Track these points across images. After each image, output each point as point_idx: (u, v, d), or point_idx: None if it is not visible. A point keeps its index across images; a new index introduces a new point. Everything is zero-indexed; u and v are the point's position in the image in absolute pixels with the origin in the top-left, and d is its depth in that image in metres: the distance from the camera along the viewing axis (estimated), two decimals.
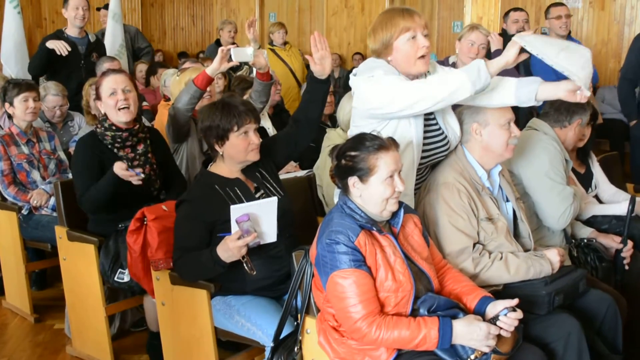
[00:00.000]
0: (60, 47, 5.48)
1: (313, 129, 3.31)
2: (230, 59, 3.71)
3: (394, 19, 2.80)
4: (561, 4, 6.00)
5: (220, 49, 3.70)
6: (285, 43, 7.75)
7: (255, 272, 2.77)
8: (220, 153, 2.99)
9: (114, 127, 3.53)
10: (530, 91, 2.71)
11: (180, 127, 3.84)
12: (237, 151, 2.97)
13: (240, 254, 2.71)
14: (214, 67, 3.69)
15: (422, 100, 2.67)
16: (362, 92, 2.83)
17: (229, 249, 2.70)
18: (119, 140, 3.53)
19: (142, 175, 3.37)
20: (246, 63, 5.85)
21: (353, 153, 2.43)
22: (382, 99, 2.73)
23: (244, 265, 2.74)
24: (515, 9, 6.04)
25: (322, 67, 3.04)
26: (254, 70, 4.13)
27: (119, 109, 3.48)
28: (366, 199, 2.45)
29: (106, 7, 7.72)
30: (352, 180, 2.43)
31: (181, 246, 2.91)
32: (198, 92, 3.70)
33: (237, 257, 2.72)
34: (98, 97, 3.56)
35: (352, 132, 2.84)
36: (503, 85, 2.77)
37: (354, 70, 2.96)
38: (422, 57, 2.82)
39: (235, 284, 2.95)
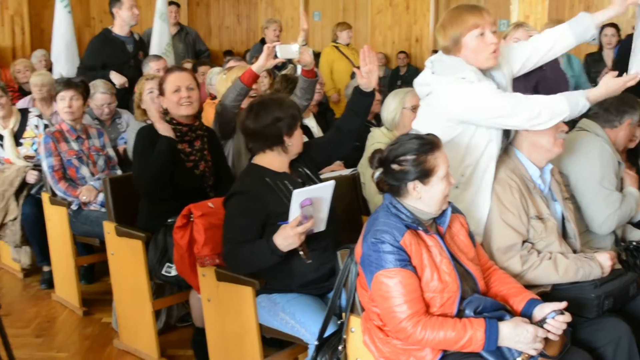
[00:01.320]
0: (121, 84, 5.59)
1: (352, 139, 3.35)
2: (275, 56, 3.74)
3: (463, 16, 2.81)
4: None
5: (265, 46, 3.74)
6: (348, 44, 7.93)
7: (311, 261, 2.78)
8: (287, 144, 3.00)
9: (174, 121, 3.62)
10: (580, 97, 2.75)
11: (227, 123, 3.88)
12: (299, 140, 3.05)
13: (299, 241, 2.72)
14: (260, 64, 3.72)
15: (521, 119, 2.73)
16: (458, 96, 2.78)
17: (289, 237, 2.70)
18: (178, 134, 3.61)
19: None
20: (291, 61, 5.87)
21: (409, 157, 2.40)
22: (488, 108, 2.74)
23: (300, 253, 2.75)
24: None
25: (368, 80, 3.11)
26: (299, 68, 4.14)
27: (181, 105, 3.58)
28: (427, 200, 2.43)
29: (176, 4, 7.95)
30: (413, 184, 2.41)
31: (233, 238, 2.90)
32: (245, 90, 3.74)
33: (295, 245, 2.73)
34: (161, 92, 3.65)
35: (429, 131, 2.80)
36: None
37: (429, 68, 2.94)
38: (491, 52, 2.83)
39: (281, 280, 2.95)
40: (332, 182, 2.77)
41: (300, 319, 2.85)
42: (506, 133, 2.96)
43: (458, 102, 2.78)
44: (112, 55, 5.83)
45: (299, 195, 2.65)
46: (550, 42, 3.01)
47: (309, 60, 3.90)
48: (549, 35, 3.02)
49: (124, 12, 5.89)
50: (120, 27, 5.97)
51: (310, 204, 2.67)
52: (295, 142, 3.03)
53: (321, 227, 2.83)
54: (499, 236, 2.82)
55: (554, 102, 2.73)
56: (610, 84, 2.75)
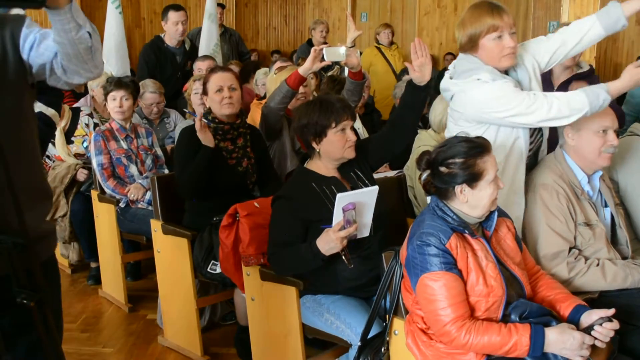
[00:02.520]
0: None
1: (408, 134, 3.31)
2: (322, 59, 3.74)
3: (483, 17, 2.81)
4: None
5: (313, 49, 3.73)
6: (391, 43, 7.93)
7: (352, 266, 2.77)
8: (317, 150, 3.00)
9: (216, 120, 3.67)
10: (600, 90, 2.70)
11: (272, 125, 3.90)
12: (335, 148, 2.97)
13: (341, 246, 2.71)
14: (307, 67, 3.72)
15: (539, 116, 2.71)
16: (473, 96, 2.82)
17: (331, 240, 2.69)
18: (220, 132, 3.66)
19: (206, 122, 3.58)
20: (337, 63, 5.88)
21: (458, 160, 2.38)
22: (502, 107, 2.74)
23: (342, 257, 2.74)
24: None
25: (421, 74, 3.05)
26: (346, 69, 4.14)
27: (223, 104, 3.62)
28: (474, 204, 2.40)
29: (221, 5, 8.09)
30: (460, 188, 2.38)
31: (277, 241, 2.93)
32: (290, 92, 3.75)
33: (337, 249, 2.71)
34: (205, 92, 3.70)
35: (453, 133, 2.84)
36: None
37: (449, 73, 2.96)
38: (507, 55, 2.83)
39: (326, 283, 2.95)
40: (375, 188, 2.75)
41: (346, 319, 2.85)
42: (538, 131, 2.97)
43: (474, 102, 2.80)
44: (162, 66, 6.01)
45: (341, 200, 2.65)
46: (579, 34, 2.93)
47: (356, 62, 3.88)
48: (577, 27, 2.95)
49: (169, 27, 6.15)
50: (169, 38, 6.18)
51: (353, 208, 2.66)
52: (330, 148, 2.98)
53: (365, 232, 2.81)
54: (545, 243, 2.78)
55: (572, 97, 2.69)
56: (633, 74, 2.68)
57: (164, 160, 4.77)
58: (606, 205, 2.96)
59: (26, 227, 1.65)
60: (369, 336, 2.68)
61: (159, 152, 4.75)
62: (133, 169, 4.55)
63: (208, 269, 3.55)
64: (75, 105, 5.43)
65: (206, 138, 3.56)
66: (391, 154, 3.33)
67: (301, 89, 3.97)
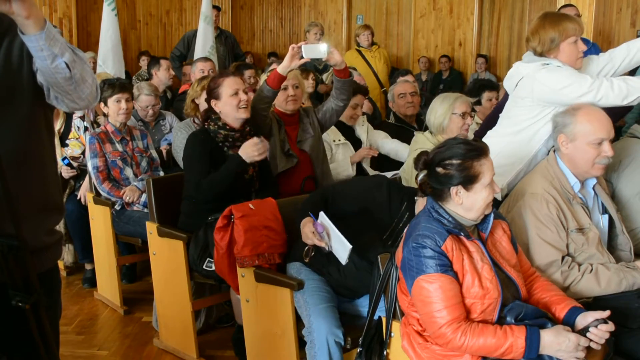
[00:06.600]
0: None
1: None
2: (302, 56, 3.68)
3: (563, 23, 3.12)
4: (570, 5, 6.01)
5: (291, 46, 3.64)
6: (372, 44, 7.89)
7: (308, 260, 2.97)
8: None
9: (227, 127, 3.64)
10: None
11: (258, 126, 3.84)
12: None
13: (307, 240, 2.91)
14: (284, 65, 3.65)
15: (604, 95, 2.98)
16: (545, 79, 3.08)
17: (303, 225, 2.93)
18: (230, 139, 3.63)
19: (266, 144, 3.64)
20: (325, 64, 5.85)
21: (455, 161, 2.38)
22: (574, 88, 3.01)
23: (304, 251, 2.95)
24: (565, 6, 6.03)
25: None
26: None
27: (240, 108, 3.59)
28: (468, 206, 2.40)
29: (217, 7, 8.12)
30: (455, 189, 2.38)
31: (307, 203, 3.08)
32: (271, 92, 3.70)
33: (306, 239, 2.91)
34: (214, 96, 3.65)
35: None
36: None
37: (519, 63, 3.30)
38: (580, 57, 3.17)
39: (320, 262, 3.05)
40: (349, 247, 2.79)
41: (308, 299, 2.96)
42: None
43: (546, 84, 3.07)
44: None
45: (321, 217, 2.84)
46: (626, 53, 3.21)
47: (339, 59, 3.76)
48: (626, 47, 3.22)
49: (161, 74, 6.15)
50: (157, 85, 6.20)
51: (323, 231, 2.85)
52: None
53: (338, 257, 2.88)
54: (538, 253, 2.76)
55: (630, 79, 2.97)
56: None
57: (159, 163, 4.76)
58: (605, 212, 2.95)
59: (22, 234, 1.64)
60: (362, 338, 2.67)
61: (154, 154, 4.74)
62: (128, 172, 4.54)
63: (204, 266, 3.54)
64: None
65: (250, 157, 3.52)
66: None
67: (291, 91, 3.93)
